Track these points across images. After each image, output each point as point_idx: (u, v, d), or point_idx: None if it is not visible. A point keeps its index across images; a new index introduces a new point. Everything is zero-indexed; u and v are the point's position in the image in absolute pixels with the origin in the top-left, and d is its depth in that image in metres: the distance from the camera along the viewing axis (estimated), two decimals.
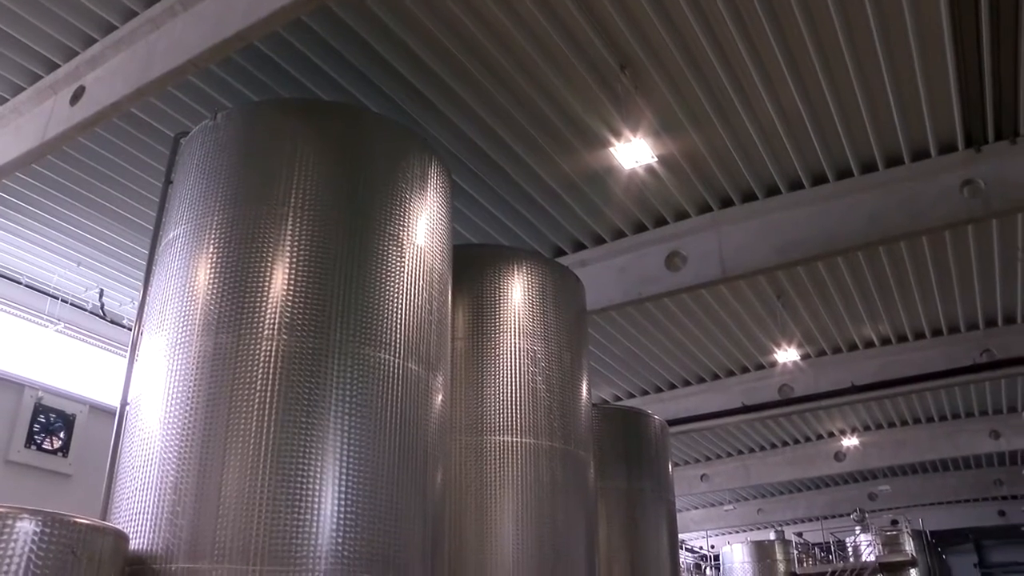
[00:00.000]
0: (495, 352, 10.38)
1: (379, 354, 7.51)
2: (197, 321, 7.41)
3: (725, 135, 12.60)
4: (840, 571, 29.03)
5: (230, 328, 7.28)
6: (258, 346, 7.18)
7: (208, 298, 7.46)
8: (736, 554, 30.27)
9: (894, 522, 30.84)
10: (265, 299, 7.38)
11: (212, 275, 7.57)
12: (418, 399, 7.76)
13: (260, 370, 7.09)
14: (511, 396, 10.22)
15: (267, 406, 6.93)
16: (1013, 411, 26.52)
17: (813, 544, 33.24)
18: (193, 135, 8.91)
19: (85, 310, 16.34)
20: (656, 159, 12.26)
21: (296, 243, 7.63)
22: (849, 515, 31.87)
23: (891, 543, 29.79)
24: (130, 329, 12.52)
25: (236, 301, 7.39)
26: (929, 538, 32.90)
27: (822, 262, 16.28)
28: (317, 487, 6.75)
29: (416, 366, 7.81)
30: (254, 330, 7.25)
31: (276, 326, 7.26)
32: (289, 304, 7.36)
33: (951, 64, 11.27)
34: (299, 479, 6.73)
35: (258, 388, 7.01)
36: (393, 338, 7.67)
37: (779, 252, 13.80)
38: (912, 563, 29.56)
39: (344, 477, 6.90)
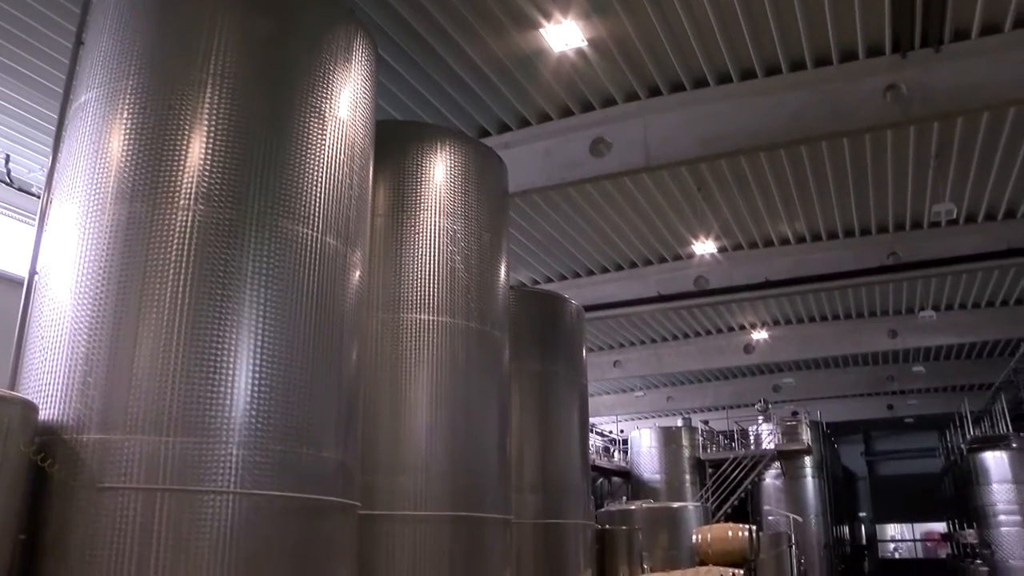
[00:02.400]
0: (415, 230, 10.34)
1: (297, 227, 7.41)
2: (110, 189, 7.17)
3: (657, 22, 12.48)
4: (742, 458, 30.35)
5: (145, 197, 7.08)
6: (173, 216, 7.01)
7: (122, 165, 7.22)
8: (644, 439, 31.30)
9: (794, 413, 32.28)
10: (181, 168, 7.16)
11: (126, 142, 7.30)
12: (336, 274, 7.71)
13: (175, 240, 6.94)
14: (429, 274, 10.23)
15: (182, 276, 6.82)
16: (911, 312, 27.69)
17: (718, 432, 34.59)
18: None
19: None
20: (586, 43, 12.14)
21: (215, 111, 7.38)
22: (753, 405, 33.16)
23: (790, 433, 31.22)
24: (39, 197, 12.06)
25: (151, 169, 7.16)
26: (824, 429, 34.53)
27: (745, 157, 16.49)
28: (232, 359, 6.73)
29: (334, 240, 7.74)
30: (169, 199, 7.05)
31: (192, 196, 7.08)
32: (206, 174, 7.16)
33: None
34: (214, 351, 6.69)
35: (173, 258, 6.87)
36: (312, 211, 7.57)
37: (703, 144, 13.91)
38: (807, 451, 31.07)
39: (259, 350, 6.88)
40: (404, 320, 10.07)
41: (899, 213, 20.45)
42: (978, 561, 28.16)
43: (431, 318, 10.12)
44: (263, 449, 6.71)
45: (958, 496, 34.06)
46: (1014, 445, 26.39)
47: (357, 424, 8.16)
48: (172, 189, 7.07)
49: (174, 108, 7.32)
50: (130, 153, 7.21)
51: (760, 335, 29.64)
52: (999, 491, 25.60)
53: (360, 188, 8.37)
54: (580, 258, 23.23)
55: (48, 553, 6.23)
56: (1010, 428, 29.27)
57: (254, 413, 6.71)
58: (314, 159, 7.71)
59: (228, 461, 6.51)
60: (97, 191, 7.19)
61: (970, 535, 29.46)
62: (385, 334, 10.02)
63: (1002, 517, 25.55)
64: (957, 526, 34.79)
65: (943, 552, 45.99)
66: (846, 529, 41.28)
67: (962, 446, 30.43)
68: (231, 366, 6.70)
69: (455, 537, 9.85)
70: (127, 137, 7.28)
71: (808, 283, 22.89)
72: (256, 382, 6.78)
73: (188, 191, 7.06)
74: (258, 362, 6.83)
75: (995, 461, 26.20)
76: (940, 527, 46.38)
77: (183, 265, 6.84)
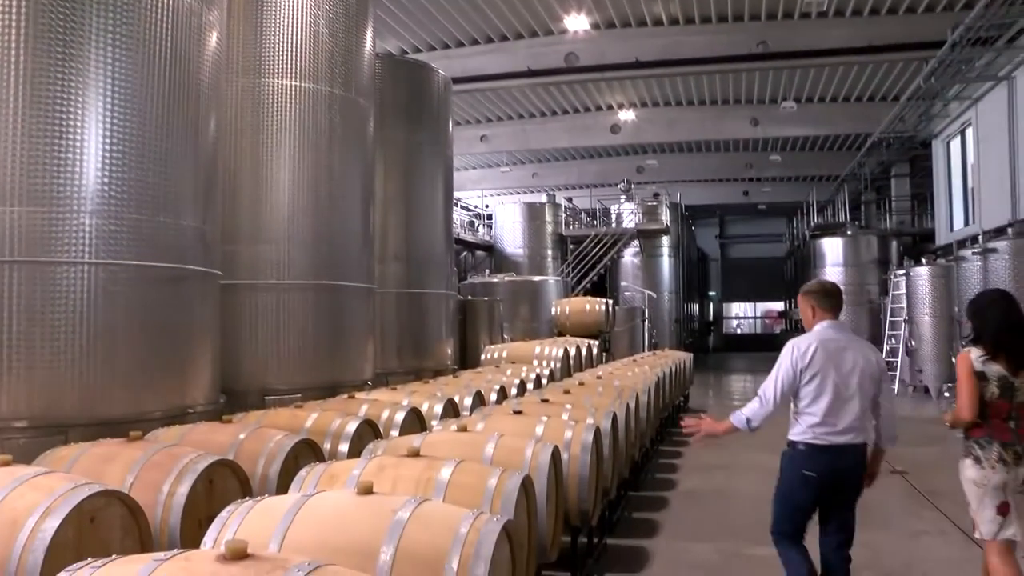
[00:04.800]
0: None
1: None
2: None
3: None
4: (602, 235, 31.28)
5: None
6: None
7: None
8: (508, 214, 31.69)
9: (656, 195, 33.09)
10: None
11: None
12: (191, 35, 7.28)
13: None
14: (292, 38, 9.76)
15: (15, 33, 6.24)
16: (773, 102, 28.36)
17: (581, 209, 35.34)
18: None
19: None
20: None
21: None
22: (616, 185, 33.84)
23: (650, 213, 32.14)
24: None
25: None
26: (683, 211, 35.75)
27: None
28: (79, 123, 6.37)
29: None
30: None
31: None
32: None
33: None
34: (58, 115, 6.30)
35: (1, 10, 6.28)
36: None
37: None
38: (665, 232, 32.25)
39: (109, 114, 6.53)
40: (265, 86, 9.69)
41: (772, 1, 20.51)
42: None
43: (293, 83, 9.77)
44: (118, 218, 6.53)
45: (797, 278, 36.38)
46: (849, 232, 28.16)
47: (216, 193, 8.00)
48: None
49: None
50: None
51: (627, 116, 29.89)
52: (831, 273, 27.46)
53: None
54: (449, 27, 22.54)
55: None
56: (848, 217, 31.10)
57: (106, 180, 6.47)
58: None
59: (80, 231, 6.32)
60: None
61: None
62: (245, 100, 9.65)
63: None
64: (792, 305, 37.38)
65: (778, 328, 49.72)
66: (696, 306, 43.85)
67: (805, 232, 32.20)
68: (78, 131, 6.36)
69: (317, 305, 10.02)
70: None
71: (677, 66, 23.02)
72: (107, 148, 6.49)
73: None
74: (108, 127, 6.51)
75: (831, 246, 27.97)
76: (779, 306, 49.93)
77: (15, 19, 6.27)
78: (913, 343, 19.46)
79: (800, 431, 4.83)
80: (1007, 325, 4.84)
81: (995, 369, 4.76)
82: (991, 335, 4.84)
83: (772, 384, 4.86)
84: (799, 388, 4.82)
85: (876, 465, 5.07)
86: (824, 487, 4.79)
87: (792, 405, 4.94)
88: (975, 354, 4.83)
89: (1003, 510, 4.69)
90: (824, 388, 4.76)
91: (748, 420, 4.87)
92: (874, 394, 4.88)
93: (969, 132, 21.08)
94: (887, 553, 6.90)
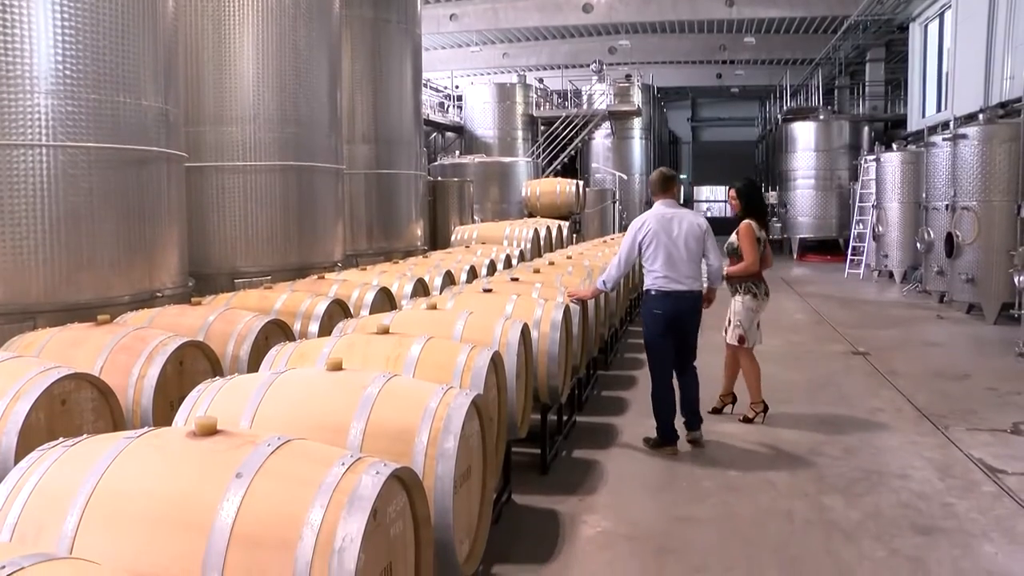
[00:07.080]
0: None
1: None
2: None
3: None
4: (574, 116, 30.95)
5: None
6: None
7: None
8: (479, 95, 31.23)
9: (628, 76, 32.61)
10: None
11: None
12: None
13: None
14: None
15: None
16: None
17: (552, 90, 34.83)
18: None
19: None
20: None
21: None
22: (589, 66, 33.29)
23: (622, 94, 31.75)
24: None
25: None
26: (655, 93, 35.32)
27: None
28: None
29: None
30: None
31: None
32: None
33: None
34: None
35: None
36: None
37: None
38: (637, 113, 31.96)
39: None
40: None
41: None
42: (775, 218, 30.83)
43: None
44: (75, 98, 6.35)
45: (768, 162, 36.37)
46: (821, 117, 28.00)
47: (178, 72, 7.79)
48: None
49: None
50: None
51: None
52: (802, 158, 27.47)
53: None
54: None
55: None
56: (821, 102, 30.86)
57: (59, 59, 6.26)
58: None
59: (35, 112, 6.15)
60: None
61: (772, 196, 31.93)
62: None
63: (800, 181, 27.68)
64: (765, 190, 37.52)
65: None
66: None
67: (778, 116, 32.00)
68: (24, 5, 6.09)
69: (285, 186, 9.93)
70: None
71: None
72: (57, 24, 6.24)
73: None
74: (57, 2, 6.24)
75: (803, 130, 27.85)
76: None
77: None
78: (880, 228, 19.62)
79: (650, 282, 6.54)
80: (760, 202, 7.59)
81: (762, 234, 7.33)
82: (758, 211, 7.42)
83: (618, 256, 6.71)
84: (643, 252, 6.53)
85: (711, 295, 6.93)
86: (669, 321, 6.52)
87: (644, 265, 6.62)
88: (754, 225, 7.26)
89: (759, 327, 7.35)
90: (659, 250, 6.45)
91: (604, 282, 6.84)
92: (701, 251, 6.59)
93: (948, 15, 20.76)
94: (848, 429, 7.14)
